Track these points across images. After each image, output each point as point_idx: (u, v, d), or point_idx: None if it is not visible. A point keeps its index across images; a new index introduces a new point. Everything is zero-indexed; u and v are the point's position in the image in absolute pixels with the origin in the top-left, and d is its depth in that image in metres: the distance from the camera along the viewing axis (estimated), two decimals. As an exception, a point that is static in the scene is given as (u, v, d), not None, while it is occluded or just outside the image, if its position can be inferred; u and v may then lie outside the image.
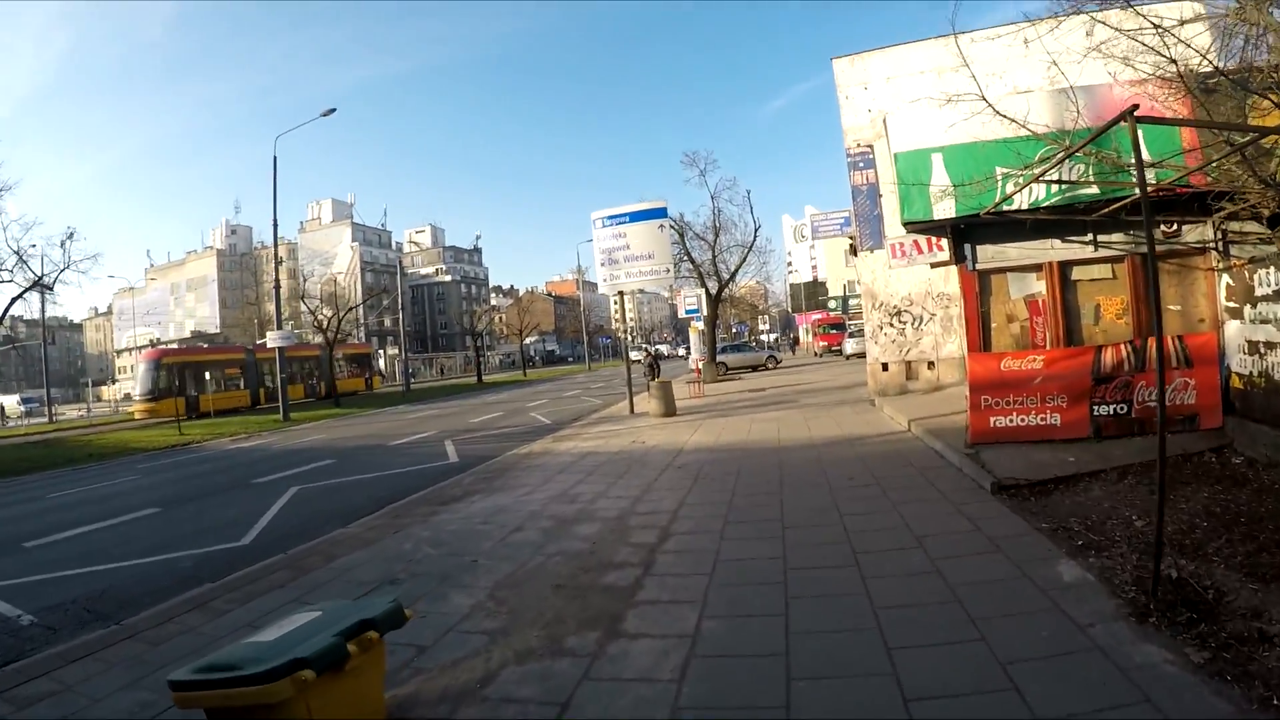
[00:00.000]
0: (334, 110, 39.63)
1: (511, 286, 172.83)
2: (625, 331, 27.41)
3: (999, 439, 11.60)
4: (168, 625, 7.50)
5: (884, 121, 13.48)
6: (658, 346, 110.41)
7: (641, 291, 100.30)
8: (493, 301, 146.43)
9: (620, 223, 24.53)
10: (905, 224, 11.78)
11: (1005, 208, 11.16)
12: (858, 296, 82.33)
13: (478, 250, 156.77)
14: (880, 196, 22.41)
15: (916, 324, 22.10)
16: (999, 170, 11.15)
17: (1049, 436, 11.48)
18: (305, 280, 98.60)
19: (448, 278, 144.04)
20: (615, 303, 25.96)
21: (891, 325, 22.30)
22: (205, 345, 62.17)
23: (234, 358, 51.89)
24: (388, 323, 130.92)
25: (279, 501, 14.72)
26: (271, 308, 78.10)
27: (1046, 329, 12.26)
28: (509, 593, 7.48)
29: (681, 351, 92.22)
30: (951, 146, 11.68)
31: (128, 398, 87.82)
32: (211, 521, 13.41)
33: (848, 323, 65.89)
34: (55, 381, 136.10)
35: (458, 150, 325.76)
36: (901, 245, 12.51)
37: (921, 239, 12.30)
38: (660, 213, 24.19)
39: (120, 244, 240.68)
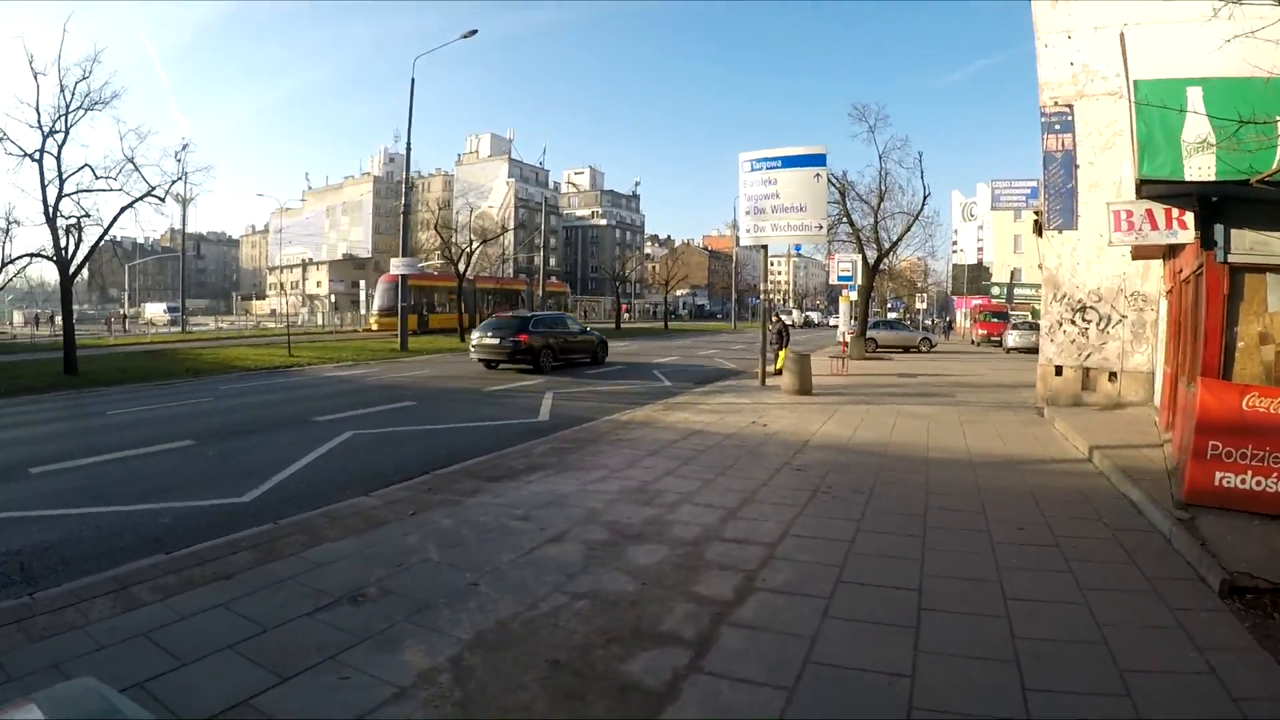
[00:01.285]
0: (475, 32, 37.50)
1: (668, 237, 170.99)
2: (765, 291, 23.26)
3: (1224, 503, 8.45)
4: (67, 611, 5.84)
5: (1121, 37, 9.98)
6: (795, 312, 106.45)
7: (798, 254, 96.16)
8: (647, 250, 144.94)
9: (771, 167, 21.63)
10: (1143, 182, 8.38)
11: (1282, 178, 7.82)
12: (1025, 286, 77.31)
13: (635, 196, 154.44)
14: (1077, 167, 18.95)
15: (1103, 325, 18.62)
16: (1280, 130, 7.85)
17: (1290, 509, 8.28)
18: (457, 211, 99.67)
19: (603, 221, 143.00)
20: (760, 258, 22.71)
21: (1073, 323, 18.83)
22: (434, 273, 64.00)
23: (451, 285, 54.08)
24: (538, 260, 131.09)
25: (321, 448, 12.86)
26: (422, 235, 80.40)
27: (1315, 359, 8.84)
28: (483, 660, 5.12)
29: (832, 321, 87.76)
30: (1218, 80, 8.33)
31: (273, 313, 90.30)
32: (234, 466, 11.72)
33: (1011, 313, 61.21)
34: (210, 294, 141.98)
35: (624, 94, 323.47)
36: (1129, 215, 9.13)
37: (1158, 209, 8.89)
38: (818, 160, 21.15)
39: (281, 171, 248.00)
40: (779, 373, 23.05)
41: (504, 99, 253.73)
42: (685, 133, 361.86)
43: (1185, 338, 12.75)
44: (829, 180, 37.34)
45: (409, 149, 41.35)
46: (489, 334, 27.25)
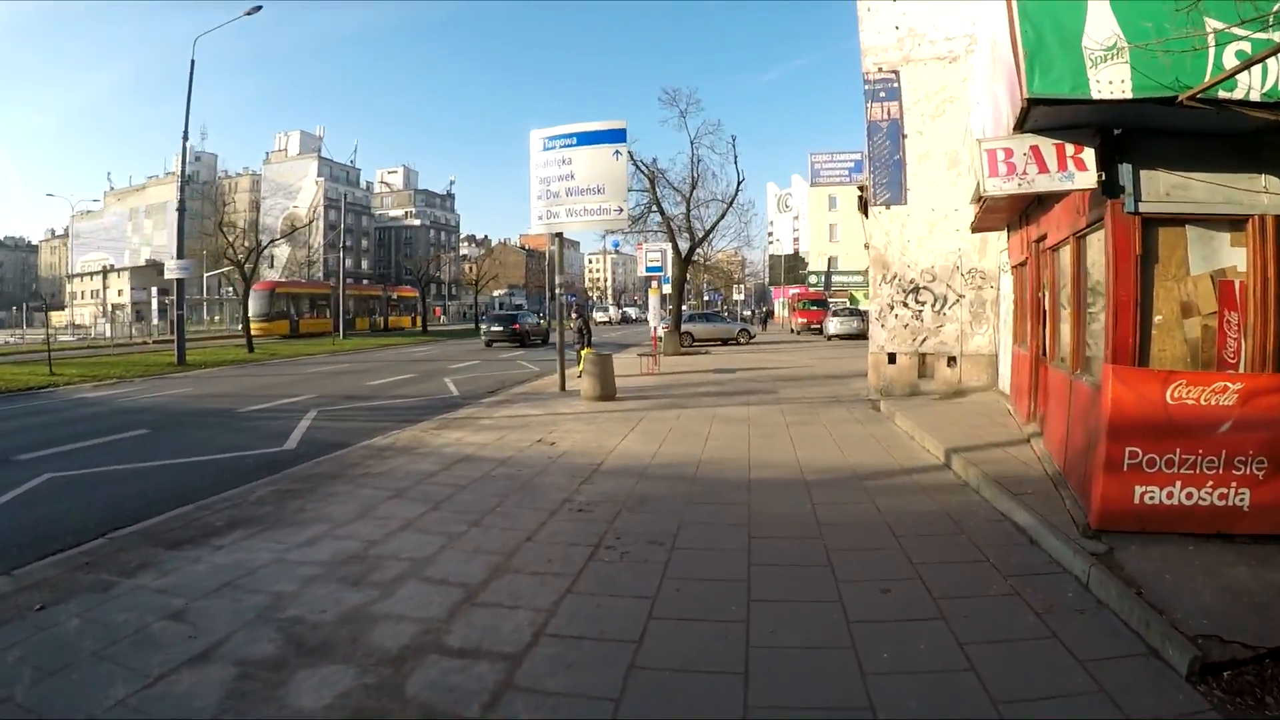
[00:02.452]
0: (259, 8, 33.44)
1: (485, 237, 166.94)
2: (558, 286, 20.52)
3: (1146, 525, 6.40)
4: None
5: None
6: (612, 309, 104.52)
7: (615, 250, 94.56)
8: (463, 250, 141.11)
9: (566, 145, 19.11)
10: (1032, 103, 6.13)
11: (1223, 93, 5.70)
12: (842, 273, 77.89)
13: (450, 196, 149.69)
14: (904, 137, 17.23)
15: (938, 306, 17.00)
16: (1212, 25, 5.74)
17: (1230, 528, 6.32)
18: (265, 213, 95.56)
19: (416, 221, 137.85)
20: (553, 248, 20.10)
21: (906, 305, 17.11)
22: (304, 281, 78.13)
23: (323, 292, 64.95)
24: (349, 263, 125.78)
25: (-3, 499, 9.50)
26: (230, 238, 75.96)
27: (1246, 335, 6.81)
28: None
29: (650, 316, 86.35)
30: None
31: (72, 325, 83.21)
32: None
33: (830, 300, 60.85)
34: (7, 304, 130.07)
35: (439, 93, 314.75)
36: (1008, 155, 6.94)
37: (1047, 145, 6.73)
38: (617, 135, 18.71)
39: (83, 169, 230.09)
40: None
41: (320, 100, 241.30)
42: (503, 133, 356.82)
43: (1045, 317, 10.99)
44: (638, 166, 35.31)
45: (185, 137, 36.61)
46: (495, 324, 46.09)
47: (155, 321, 69.52)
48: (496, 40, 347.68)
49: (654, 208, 35.63)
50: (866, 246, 18.20)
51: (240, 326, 48.01)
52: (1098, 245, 7.58)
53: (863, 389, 18.36)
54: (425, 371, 27.05)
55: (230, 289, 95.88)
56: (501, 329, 44.34)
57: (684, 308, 40.52)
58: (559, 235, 20.07)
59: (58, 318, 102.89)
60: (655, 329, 30.09)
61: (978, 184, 8.26)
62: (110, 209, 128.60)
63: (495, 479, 9.97)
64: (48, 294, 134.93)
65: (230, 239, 42.15)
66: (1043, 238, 10.61)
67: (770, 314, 79.67)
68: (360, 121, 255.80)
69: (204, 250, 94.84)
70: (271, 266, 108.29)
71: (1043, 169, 6.98)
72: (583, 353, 17.68)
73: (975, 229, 14.47)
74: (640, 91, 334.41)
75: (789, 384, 20.60)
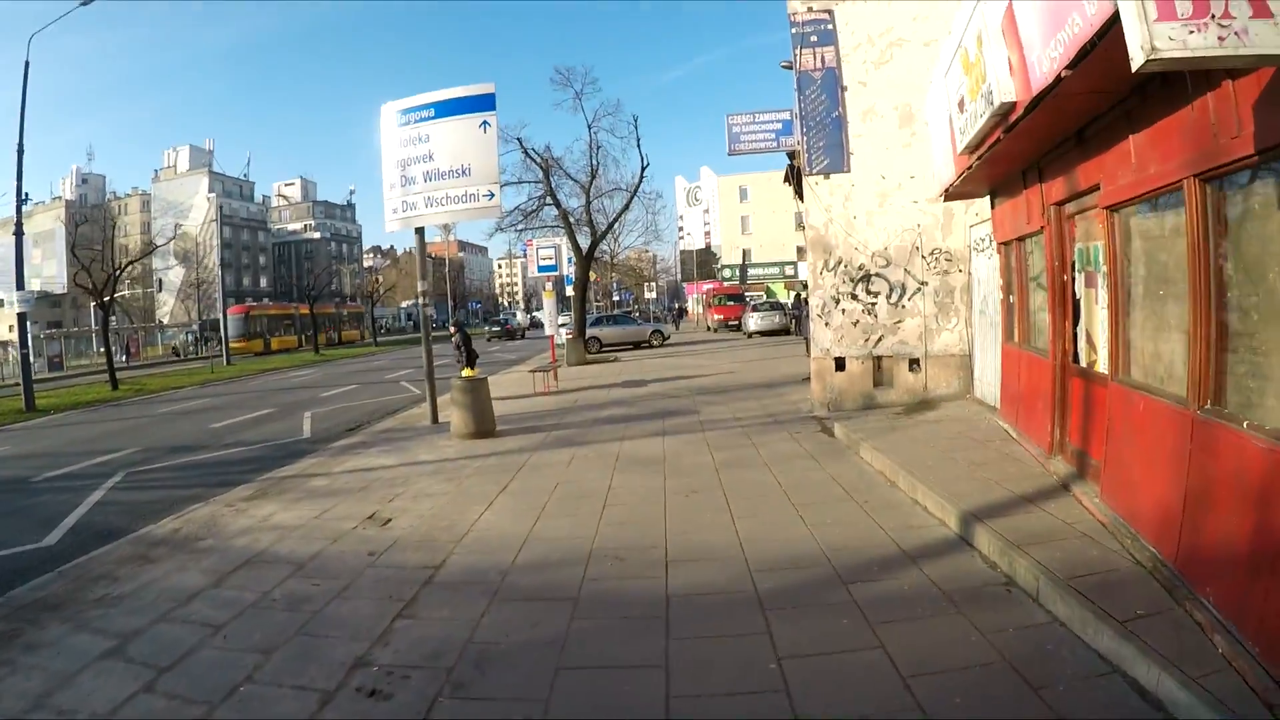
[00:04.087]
0: (92, -1, 28.68)
1: (390, 247, 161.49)
2: (422, 295, 16.36)
3: None
4: None
5: None
6: (520, 314, 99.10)
7: (525, 256, 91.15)
8: (368, 262, 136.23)
9: (424, 119, 15.26)
10: None
11: None
12: (757, 265, 75.08)
13: (351, 206, 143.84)
14: (843, 90, 13.95)
15: (895, 297, 13.78)
16: None
17: None
18: (156, 234, 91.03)
19: (316, 234, 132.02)
20: (415, 246, 16.26)
21: (854, 298, 13.79)
22: (271, 304, 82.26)
23: (288, 313, 73.30)
24: (247, 281, 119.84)
25: None
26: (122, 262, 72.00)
27: None
28: None
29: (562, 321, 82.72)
30: None
31: None
32: None
33: (747, 294, 57.69)
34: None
35: (337, 103, 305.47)
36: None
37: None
38: (484, 102, 14.84)
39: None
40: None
41: (210, 116, 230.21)
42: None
43: (1077, 307, 7.64)
44: (529, 155, 31.51)
45: (20, 151, 31.33)
46: (495, 327, 69.38)
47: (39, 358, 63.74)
48: (390, 42, 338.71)
49: (549, 200, 31.86)
50: (802, 226, 14.81)
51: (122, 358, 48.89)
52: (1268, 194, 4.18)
53: (803, 402, 14.94)
54: (290, 404, 22.64)
55: (115, 318, 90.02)
56: (500, 329, 66.84)
57: (591, 310, 36.84)
58: (420, 232, 16.15)
59: None
60: (554, 336, 26.41)
61: (1063, 69, 4.79)
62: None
63: (273, 608, 6.15)
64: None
65: (86, 264, 36.96)
66: (1083, 193, 7.20)
67: (684, 312, 76.29)
68: (253, 134, 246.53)
69: (102, 277, 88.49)
70: (160, 290, 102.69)
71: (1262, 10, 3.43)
72: (456, 381, 13.73)
73: (951, 195, 11.08)
74: (535, 81, 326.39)
75: (713, 398, 16.98)
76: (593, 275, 51.20)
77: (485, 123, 14.73)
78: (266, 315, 71.69)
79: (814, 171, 13.84)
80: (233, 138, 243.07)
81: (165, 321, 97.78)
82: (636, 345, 37.74)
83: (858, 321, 13.69)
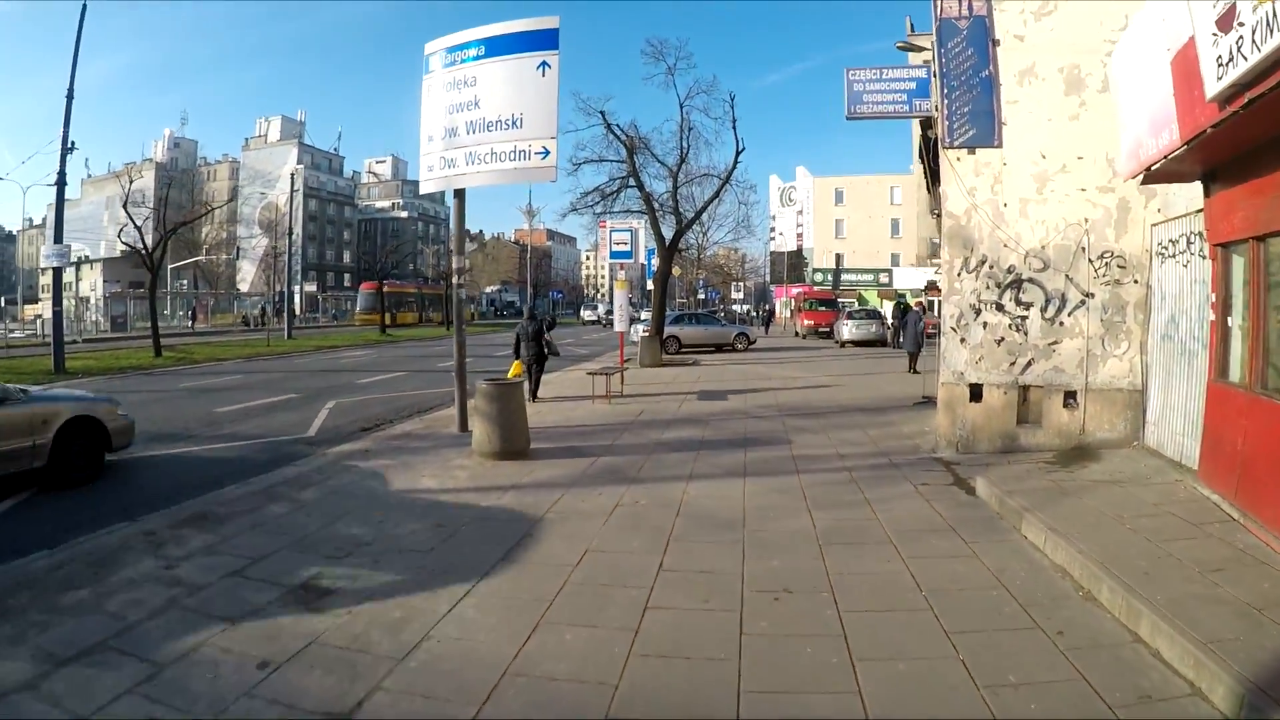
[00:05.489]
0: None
1: (479, 231, 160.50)
2: (458, 273, 13.49)
3: None
4: None
5: None
6: (600, 308, 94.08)
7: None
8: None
9: (469, 58, 12.67)
10: None
11: None
12: (850, 271, 71.54)
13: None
14: (995, 44, 11.00)
15: (1052, 310, 10.79)
16: None
17: None
18: (243, 201, 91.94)
19: (404, 213, 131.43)
20: (453, 211, 13.52)
21: (1000, 308, 10.81)
22: (399, 281, 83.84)
23: (410, 291, 79.71)
24: (330, 255, 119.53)
25: None
26: (205, 229, 72.92)
27: None
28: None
29: (645, 315, 79.56)
30: None
31: (39, 318, 77.56)
32: None
33: (840, 300, 54.28)
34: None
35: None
36: None
37: None
38: (544, 39, 12.09)
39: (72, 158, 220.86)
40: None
41: (306, 90, 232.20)
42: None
43: None
44: (613, 132, 28.66)
45: (70, 96, 29.96)
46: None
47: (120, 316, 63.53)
48: (488, 16, 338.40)
49: (632, 182, 28.96)
50: (934, 214, 11.90)
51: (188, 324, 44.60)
52: None
53: (921, 436, 12.03)
54: (319, 390, 20.01)
55: (184, 283, 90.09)
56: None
57: (672, 307, 33.88)
58: (460, 195, 13.44)
59: (31, 310, 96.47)
60: (624, 333, 23.63)
61: None
62: (87, 198, 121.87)
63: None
64: (26, 286, 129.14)
65: (138, 223, 35.09)
66: None
67: (771, 313, 72.91)
68: (346, 110, 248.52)
69: (167, 241, 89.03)
70: (238, 258, 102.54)
71: None
72: (483, 387, 10.83)
73: (1155, 175, 8.06)
74: (626, 54, 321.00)
75: (807, 422, 14.01)
76: (676, 270, 48.28)
77: (544, 64, 11.99)
78: (395, 292, 75.20)
79: (955, 144, 10.85)
80: (327, 113, 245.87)
81: (244, 290, 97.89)
82: (719, 348, 34.55)
83: (1002, 339, 10.67)
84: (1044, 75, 10.73)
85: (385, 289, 64.57)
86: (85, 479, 9.91)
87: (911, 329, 22.73)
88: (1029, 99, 10.77)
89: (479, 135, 12.35)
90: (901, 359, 24.10)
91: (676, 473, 10.03)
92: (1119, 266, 10.41)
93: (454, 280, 13.56)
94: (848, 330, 36.88)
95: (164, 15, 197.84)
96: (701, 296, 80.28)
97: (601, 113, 28.27)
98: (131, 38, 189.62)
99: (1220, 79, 5.89)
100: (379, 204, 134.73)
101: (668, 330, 31.36)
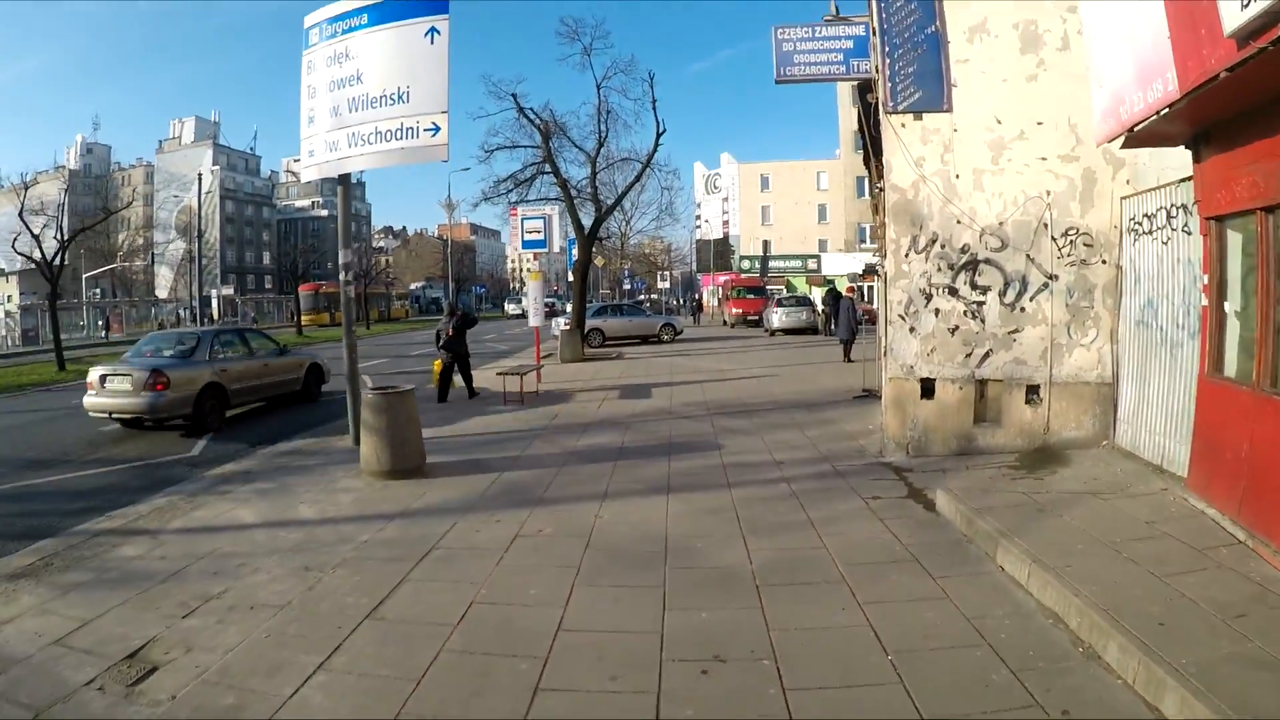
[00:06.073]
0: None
1: (403, 228, 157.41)
2: (344, 268, 11.64)
3: None
4: None
5: None
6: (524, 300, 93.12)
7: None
8: (378, 243, 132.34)
9: (350, 28, 11.16)
10: None
11: None
12: (778, 257, 70.68)
13: (362, 184, 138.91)
14: (941, -1, 9.77)
15: (1012, 294, 9.64)
16: None
17: None
18: (159, 206, 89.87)
19: (324, 212, 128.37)
20: (339, 200, 11.85)
21: (954, 293, 9.64)
22: (332, 283, 76.87)
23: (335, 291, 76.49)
24: (250, 257, 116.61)
25: None
26: (121, 236, 69.98)
27: None
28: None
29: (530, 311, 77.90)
30: None
31: None
32: None
33: (769, 288, 53.35)
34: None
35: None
36: None
37: None
38: (430, 3, 10.65)
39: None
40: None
41: (220, 91, 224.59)
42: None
43: None
44: (526, 115, 27.09)
45: None
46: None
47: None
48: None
49: (547, 168, 27.46)
50: (877, 189, 10.70)
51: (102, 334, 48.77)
52: None
53: (865, 435, 10.92)
54: None
55: (97, 292, 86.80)
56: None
57: (594, 299, 32.49)
58: (345, 180, 11.86)
59: None
60: (538, 329, 22.25)
61: None
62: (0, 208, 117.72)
63: None
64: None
65: (35, 231, 32.96)
66: None
67: (700, 304, 71.82)
68: (262, 110, 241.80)
69: (100, 247, 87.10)
70: (154, 264, 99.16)
71: None
72: (370, 396, 9.33)
73: (1137, 138, 6.92)
74: (539, 35, 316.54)
75: (738, 421, 12.75)
76: (599, 260, 46.82)
77: (433, 30, 10.48)
78: (330, 293, 71.64)
79: (899, 108, 9.64)
80: (241, 112, 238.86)
81: (163, 296, 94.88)
82: (645, 340, 33.25)
83: (957, 328, 9.49)
84: (996, 32, 9.58)
85: (323, 289, 68.94)
86: (314, 398, 17.70)
87: (844, 316, 21.69)
88: (981, 58, 9.61)
89: (362, 113, 10.82)
90: (835, 347, 23.06)
91: (590, 490, 8.66)
92: (1085, 245, 9.29)
93: (341, 277, 11.94)
94: (778, 318, 35.83)
95: (72, 15, 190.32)
96: (628, 287, 79.10)
97: (513, 95, 26.71)
98: (41, 40, 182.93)
99: (1246, 6, 4.71)
100: (298, 203, 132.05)
101: (590, 323, 29.99)
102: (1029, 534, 6.19)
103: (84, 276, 79.86)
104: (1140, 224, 8.60)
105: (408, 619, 5.34)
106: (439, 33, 10.55)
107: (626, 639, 4.92)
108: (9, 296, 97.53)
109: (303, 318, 62.26)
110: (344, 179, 11.79)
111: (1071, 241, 9.32)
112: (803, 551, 6.45)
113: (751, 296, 46.93)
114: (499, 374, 16.07)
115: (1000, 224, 9.41)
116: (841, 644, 4.79)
